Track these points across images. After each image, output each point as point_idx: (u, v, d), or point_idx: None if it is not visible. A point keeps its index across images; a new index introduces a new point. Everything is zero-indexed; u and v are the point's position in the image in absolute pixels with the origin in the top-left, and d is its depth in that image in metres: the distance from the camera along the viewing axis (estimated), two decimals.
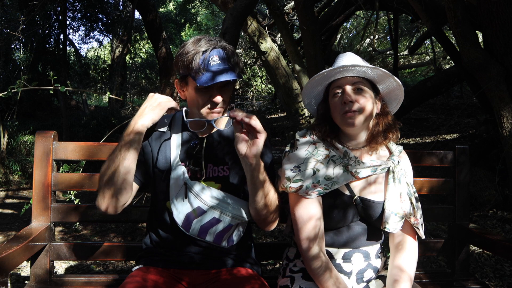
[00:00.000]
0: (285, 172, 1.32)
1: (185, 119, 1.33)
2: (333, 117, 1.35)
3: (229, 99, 1.34)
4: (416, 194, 1.38)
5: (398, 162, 1.37)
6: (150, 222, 1.45)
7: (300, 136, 1.40)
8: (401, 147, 1.43)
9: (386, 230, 1.31)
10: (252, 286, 1.27)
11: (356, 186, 1.34)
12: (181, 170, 1.34)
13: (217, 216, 1.31)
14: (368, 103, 1.30)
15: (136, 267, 1.38)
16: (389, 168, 1.35)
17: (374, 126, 1.36)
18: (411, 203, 1.34)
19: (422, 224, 1.36)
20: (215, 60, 1.26)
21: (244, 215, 1.35)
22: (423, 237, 1.37)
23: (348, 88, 1.30)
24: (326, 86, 1.39)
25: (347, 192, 1.34)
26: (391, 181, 1.34)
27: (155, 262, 1.37)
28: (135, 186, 1.37)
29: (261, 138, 1.17)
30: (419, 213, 1.35)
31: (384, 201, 1.33)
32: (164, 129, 1.40)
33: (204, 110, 1.31)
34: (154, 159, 1.37)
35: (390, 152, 1.40)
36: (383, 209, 1.32)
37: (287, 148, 1.42)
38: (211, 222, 1.32)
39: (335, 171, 1.30)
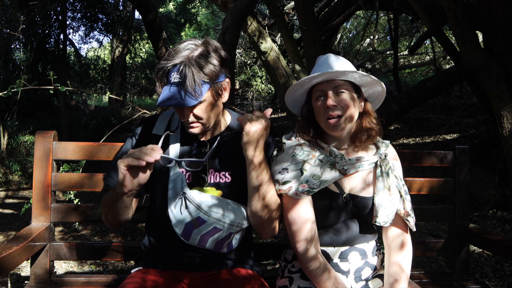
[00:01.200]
0: (273, 175, 1.33)
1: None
2: (317, 120, 1.35)
3: (207, 113, 1.26)
4: (406, 187, 1.39)
5: (385, 156, 1.38)
6: (149, 225, 1.44)
7: (286, 139, 1.41)
8: (388, 141, 1.44)
9: (377, 224, 1.32)
10: (251, 286, 1.27)
11: (345, 183, 1.35)
12: (179, 176, 1.31)
13: (218, 226, 1.29)
14: (350, 106, 1.30)
15: (136, 269, 1.38)
16: (376, 162, 1.36)
17: (357, 126, 1.37)
18: (400, 196, 1.35)
19: (412, 217, 1.36)
20: (174, 78, 1.18)
21: (245, 222, 1.34)
22: (414, 229, 1.37)
23: (330, 92, 1.30)
24: (309, 88, 1.39)
25: (336, 190, 1.34)
26: (379, 175, 1.34)
27: (154, 263, 1.36)
28: (135, 200, 1.36)
29: (245, 135, 1.20)
30: (409, 206, 1.36)
31: (373, 195, 1.33)
32: (160, 132, 1.36)
33: (183, 124, 1.29)
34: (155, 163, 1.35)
35: (377, 147, 1.41)
36: (373, 204, 1.33)
37: (275, 152, 1.42)
38: (211, 232, 1.29)
39: (322, 170, 1.31)
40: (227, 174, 1.35)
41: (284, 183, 1.30)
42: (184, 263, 1.35)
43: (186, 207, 1.28)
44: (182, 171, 1.33)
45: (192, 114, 1.24)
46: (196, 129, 1.27)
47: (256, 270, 1.43)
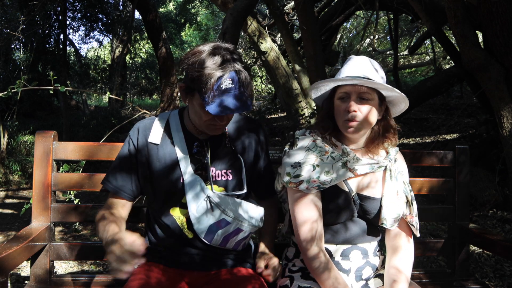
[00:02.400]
0: (285, 168, 1.34)
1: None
2: (336, 119, 1.35)
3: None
4: (412, 193, 1.40)
5: (395, 160, 1.39)
6: (149, 224, 1.44)
7: (299, 135, 1.42)
8: (397, 148, 1.45)
9: (383, 226, 1.33)
10: (252, 286, 1.27)
11: (354, 183, 1.36)
12: (197, 180, 1.32)
13: (240, 227, 1.34)
14: (370, 113, 1.30)
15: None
16: (386, 166, 1.37)
17: (374, 131, 1.36)
18: (407, 201, 1.37)
19: (417, 223, 1.38)
20: (227, 84, 1.19)
21: (260, 223, 1.39)
22: (418, 235, 1.39)
23: (354, 97, 1.30)
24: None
25: (345, 189, 1.35)
26: (388, 178, 1.36)
27: (156, 259, 1.37)
28: (129, 204, 1.40)
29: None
30: (415, 211, 1.37)
31: (381, 197, 1.34)
32: (157, 140, 1.35)
33: (206, 127, 1.31)
34: (155, 169, 1.35)
35: (387, 152, 1.42)
36: (380, 206, 1.34)
37: (287, 147, 1.43)
38: (234, 232, 1.34)
39: (334, 167, 1.32)
40: (228, 172, 1.38)
41: (296, 176, 1.31)
42: (184, 262, 1.36)
43: (212, 209, 1.31)
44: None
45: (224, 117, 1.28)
46: (220, 130, 1.33)
47: (251, 265, 1.44)
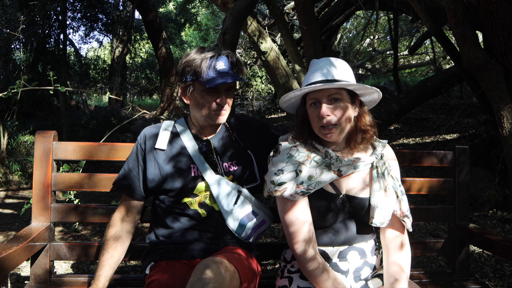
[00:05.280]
0: (269, 176, 1.34)
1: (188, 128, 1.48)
2: (312, 126, 1.34)
3: (232, 103, 1.43)
4: (402, 188, 1.38)
5: (381, 156, 1.37)
6: (158, 221, 1.48)
7: (282, 141, 1.40)
8: (385, 141, 1.43)
9: (373, 224, 1.31)
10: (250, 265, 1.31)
11: (341, 184, 1.35)
12: (219, 179, 1.41)
13: (264, 218, 1.45)
14: (344, 113, 1.29)
15: (148, 266, 1.41)
16: (372, 163, 1.35)
17: (351, 128, 1.35)
18: (397, 196, 1.35)
19: (409, 217, 1.36)
20: (221, 65, 1.36)
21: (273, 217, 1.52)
22: (410, 229, 1.37)
23: (324, 101, 1.28)
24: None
25: (333, 191, 1.34)
26: (375, 176, 1.34)
27: (164, 255, 1.40)
28: (140, 204, 1.48)
29: None
30: (405, 206, 1.35)
31: (369, 196, 1.33)
32: (163, 146, 1.44)
33: (210, 112, 1.39)
34: (166, 169, 1.42)
35: (374, 148, 1.40)
36: (369, 205, 1.32)
37: (271, 153, 1.41)
38: (259, 224, 1.44)
39: (317, 171, 1.31)
40: (233, 163, 1.47)
41: (280, 184, 1.30)
42: (193, 250, 1.40)
43: (241, 203, 1.41)
44: (194, 167, 1.43)
45: (226, 100, 1.40)
46: (224, 116, 1.41)
47: (255, 255, 1.48)
